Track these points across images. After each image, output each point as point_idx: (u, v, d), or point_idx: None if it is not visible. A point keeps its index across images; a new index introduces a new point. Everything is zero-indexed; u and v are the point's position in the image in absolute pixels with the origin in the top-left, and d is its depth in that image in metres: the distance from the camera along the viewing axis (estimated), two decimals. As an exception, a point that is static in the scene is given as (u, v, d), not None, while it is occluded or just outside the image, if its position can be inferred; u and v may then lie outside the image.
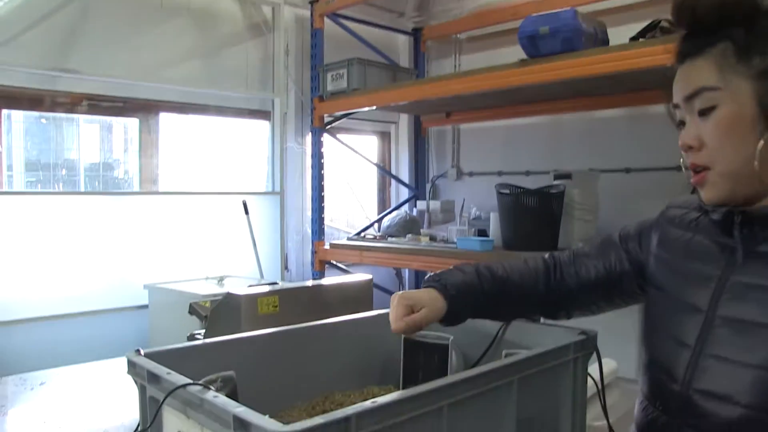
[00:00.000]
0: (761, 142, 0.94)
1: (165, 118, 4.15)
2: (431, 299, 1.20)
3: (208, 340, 1.25)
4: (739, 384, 0.94)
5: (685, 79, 1.02)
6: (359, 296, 1.86)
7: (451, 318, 1.23)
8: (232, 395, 1.07)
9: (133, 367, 1.07)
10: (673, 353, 1.05)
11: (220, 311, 1.73)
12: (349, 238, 4.64)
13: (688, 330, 1.03)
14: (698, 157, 1.00)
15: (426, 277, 1.28)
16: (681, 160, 1.06)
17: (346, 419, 0.81)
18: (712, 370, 0.98)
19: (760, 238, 0.99)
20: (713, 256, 1.05)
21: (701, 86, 0.99)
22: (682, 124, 1.05)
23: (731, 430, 0.94)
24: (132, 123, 4.03)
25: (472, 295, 1.24)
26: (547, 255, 1.36)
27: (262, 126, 4.60)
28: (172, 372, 0.99)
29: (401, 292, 1.21)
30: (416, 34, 5.18)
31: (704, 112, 0.99)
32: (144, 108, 4.01)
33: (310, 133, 4.62)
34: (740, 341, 0.96)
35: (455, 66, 5.03)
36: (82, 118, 3.83)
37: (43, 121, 3.71)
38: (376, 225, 5.00)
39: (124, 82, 3.78)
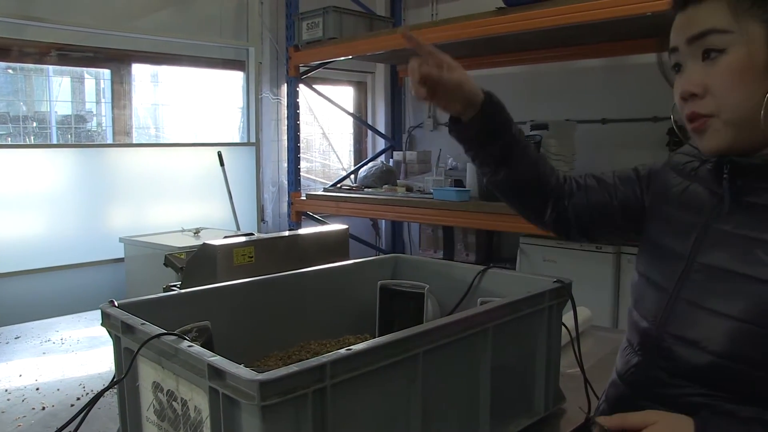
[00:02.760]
0: None
1: (138, 69, 4.07)
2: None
3: (182, 291, 1.25)
4: (710, 331, 0.94)
5: (689, 21, 0.97)
6: (335, 246, 1.85)
7: (482, 119, 1.22)
8: (208, 345, 1.07)
9: (107, 319, 1.06)
10: (651, 296, 1.06)
11: (196, 262, 1.72)
12: (325, 189, 4.63)
13: (668, 275, 1.03)
14: (701, 105, 0.96)
15: None
16: (672, 111, 1.02)
17: (321, 367, 0.81)
18: (686, 315, 0.99)
19: (751, 188, 0.97)
20: (704, 204, 1.04)
21: (710, 28, 0.94)
22: (677, 67, 1.01)
23: (699, 375, 0.95)
24: (104, 74, 3.95)
25: (505, 121, 1.24)
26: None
27: (237, 76, 4.53)
28: (147, 323, 0.98)
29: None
30: (393, -19, 5.11)
31: (711, 56, 0.94)
32: (116, 58, 3.93)
33: (286, 84, 4.57)
34: (716, 289, 0.96)
35: (432, 14, 4.96)
36: (51, 69, 3.75)
37: (11, 72, 3.62)
38: (352, 176, 4.99)
39: (95, 31, 3.70)
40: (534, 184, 1.29)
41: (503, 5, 3.18)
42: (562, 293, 1.25)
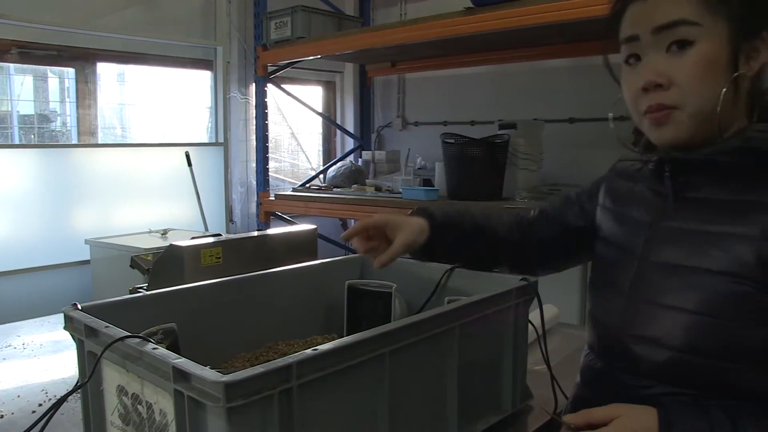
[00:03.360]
0: (727, 86, 0.93)
1: (103, 68, 4.01)
2: (409, 221, 1.25)
3: (147, 293, 1.23)
4: (668, 327, 0.95)
5: (653, 10, 0.96)
6: (303, 246, 1.85)
7: (428, 249, 1.28)
8: (174, 347, 1.06)
9: (70, 322, 1.05)
10: (609, 300, 1.07)
11: (163, 264, 1.71)
12: (294, 189, 4.61)
13: (623, 276, 1.05)
14: (666, 96, 0.96)
15: (410, 212, 1.32)
16: (615, 104, 1.06)
17: (287, 368, 0.81)
18: (644, 314, 1.00)
19: (691, 184, 1.00)
20: (649, 203, 1.06)
21: (681, 18, 0.93)
22: (633, 57, 1.00)
23: (661, 372, 0.97)
24: (68, 73, 3.89)
25: (455, 229, 1.29)
26: (515, 214, 1.40)
27: (204, 76, 4.50)
28: (111, 325, 0.97)
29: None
30: (361, -19, 5.10)
31: (678, 47, 0.94)
32: (80, 57, 3.86)
33: (254, 83, 4.54)
34: (671, 285, 0.97)
35: (401, 14, 4.96)
36: (12, 67, 3.67)
37: (-31, 70, 3.56)
38: (321, 176, 4.97)
39: (58, 29, 3.63)
40: (494, 253, 1.36)
41: (471, 5, 3.19)
42: (529, 291, 1.26)
